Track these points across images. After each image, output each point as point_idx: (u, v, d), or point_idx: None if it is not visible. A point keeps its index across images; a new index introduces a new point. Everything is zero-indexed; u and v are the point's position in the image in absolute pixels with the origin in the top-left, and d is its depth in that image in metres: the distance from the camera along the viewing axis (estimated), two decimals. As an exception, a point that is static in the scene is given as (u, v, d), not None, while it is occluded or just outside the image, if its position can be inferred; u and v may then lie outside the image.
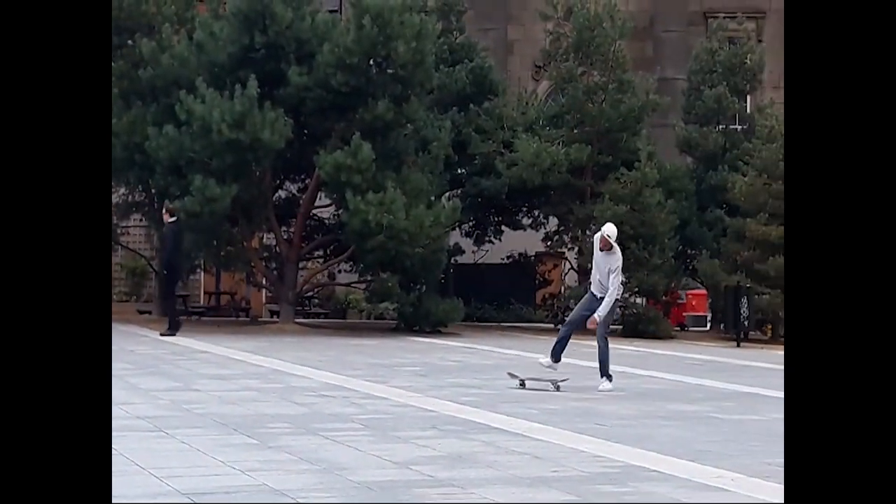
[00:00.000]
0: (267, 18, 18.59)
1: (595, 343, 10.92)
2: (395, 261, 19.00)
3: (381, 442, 6.74)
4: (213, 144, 17.92)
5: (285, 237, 20.55)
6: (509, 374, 11.02)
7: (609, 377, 10.77)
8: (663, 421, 8.42)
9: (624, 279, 11.18)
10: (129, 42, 20.11)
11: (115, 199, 21.49)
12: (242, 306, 24.18)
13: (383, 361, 13.35)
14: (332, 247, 21.75)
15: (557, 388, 10.39)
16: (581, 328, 11.13)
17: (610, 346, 10.99)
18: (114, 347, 13.95)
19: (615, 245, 10.81)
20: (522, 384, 10.59)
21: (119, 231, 21.63)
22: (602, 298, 10.70)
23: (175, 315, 17.04)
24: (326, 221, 21.72)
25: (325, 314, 24.56)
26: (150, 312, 22.12)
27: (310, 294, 23.82)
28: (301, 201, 20.86)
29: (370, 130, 18.72)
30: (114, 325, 18.88)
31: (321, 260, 22.46)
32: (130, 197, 21.57)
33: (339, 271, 23.13)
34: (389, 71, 18.86)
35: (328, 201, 20.63)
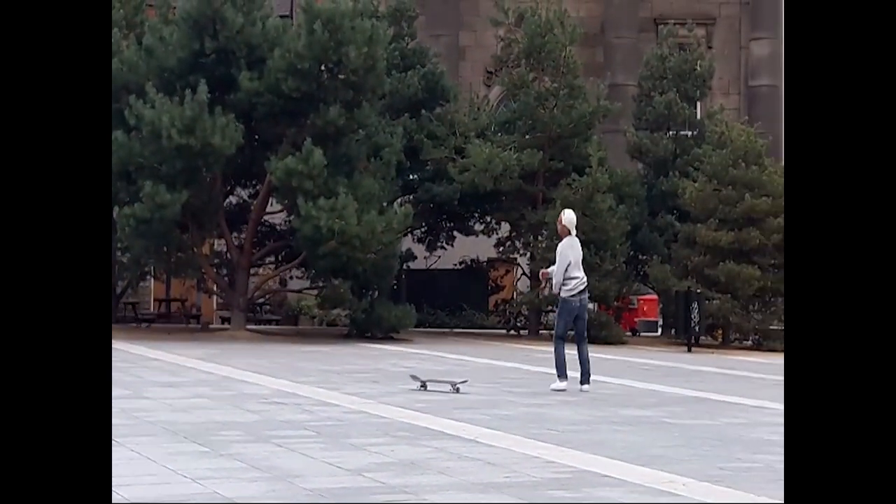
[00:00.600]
0: (217, 23, 18.47)
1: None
2: (346, 267, 18.94)
3: (333, 449, 6.71)
4: (163, 150, 17.76)
5: (236, 243, 20.41)
6: (411, 376, 11.10)
7: (561, 377, 10.99)
8: (615, 426, 8.48)
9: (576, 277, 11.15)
10: (77, 46, 19.89)
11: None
12: (193, 313, 23.98)
13: (335, 368, 13.30)
14: (283, 253, 21.64)
15: (457, 390, 10.44)
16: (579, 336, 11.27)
17: (564, 349, 11.10)
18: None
19: (570, 233, 11.00)
20: (424, 386, 10.68)
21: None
22: (561, 293, 10.95)
23: None
24: (278, 227, 21.61)
25: (276, 321, 24.43)
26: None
27: (261, 300, 23.67)
28: (252, 207, 20.73)
29: (322, 136, 18.66)
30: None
31: (273, 266, 22.34)
32: (78, 203, 21.31)
33: (291, 277, 23.02)
34: (341, 76, 18.82)
35: (279, 207, 20.52)
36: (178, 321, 23.24)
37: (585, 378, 11.07)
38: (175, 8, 19.81)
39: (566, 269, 10.86)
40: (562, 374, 11.02)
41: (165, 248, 19.51)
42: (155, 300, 25.51)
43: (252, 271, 21.08)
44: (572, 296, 10.96)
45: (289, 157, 18.28)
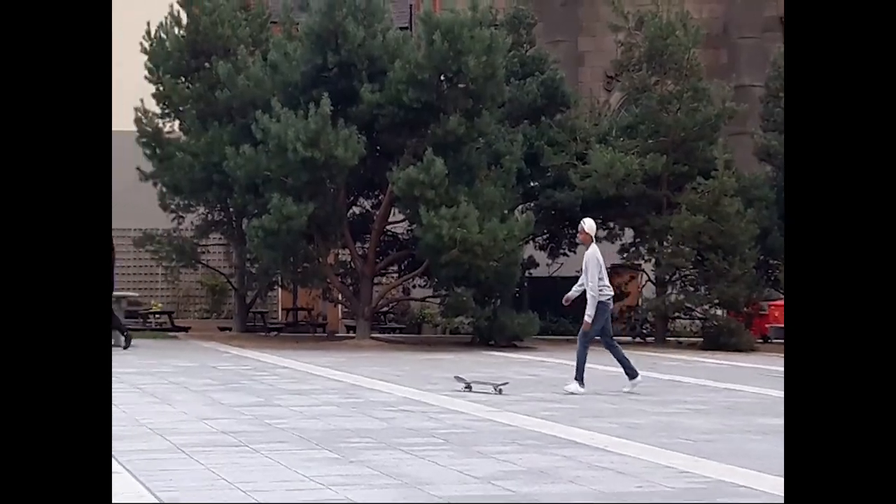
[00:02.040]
0: (339, 37, 18.76)
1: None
2: (469, 275, 18.97)
3: (461, 457, 6.71)
4: (288, 163, 18.12)
5: (360, 253, 20.67)
6: (456, 377, 11.47)
7: (580, 381, 11.14)
8: (751, 435, 8.25)
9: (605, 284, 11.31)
10: (206, 64, 20.49)
11: (194, 218, 21.86)
12: (319, 322, 24.36)
13: (460, 376, 13.31)
14: (406, 262, 21.81)
15: (499, 392, 10.70)
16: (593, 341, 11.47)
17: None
18: (196, 364, 14.19)
19: (592, 240, 11.34)
20: (469, 387, 11.01)
21: (199, 249, 21.97)
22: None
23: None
24: (400, 237, 21.80)
25: (400, 329, 24.62)
26: (230, 329, 22.43)
27: (385, 309, 23.90)
28: (375, 217, 20.98)
29: (442, 145, 18.76)
30: (195, 342, 19.22)
31: (396, 275, 22.55)
32: (209, 216, 21.90)
33: (414, 286, 23.18)
34: (460, 86, 18.88)
35: (402, 217, 20.71)
36: (305, 330, 23.65)
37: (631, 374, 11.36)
38: (298, 24, 20.22)
39: (600, 275, 11.10)
40: (631, 372, 11.27)
41: (292, 259, 19.87)
42: (282, 309, 26.02)
43: (376, 280, 21.31)
44: (608, 298, 11.18)
45: (410, 167, 18.43)
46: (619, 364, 11.41)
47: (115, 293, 20.06)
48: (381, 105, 18.73)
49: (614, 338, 11.62)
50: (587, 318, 11.07)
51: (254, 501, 5.20)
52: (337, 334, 23.06)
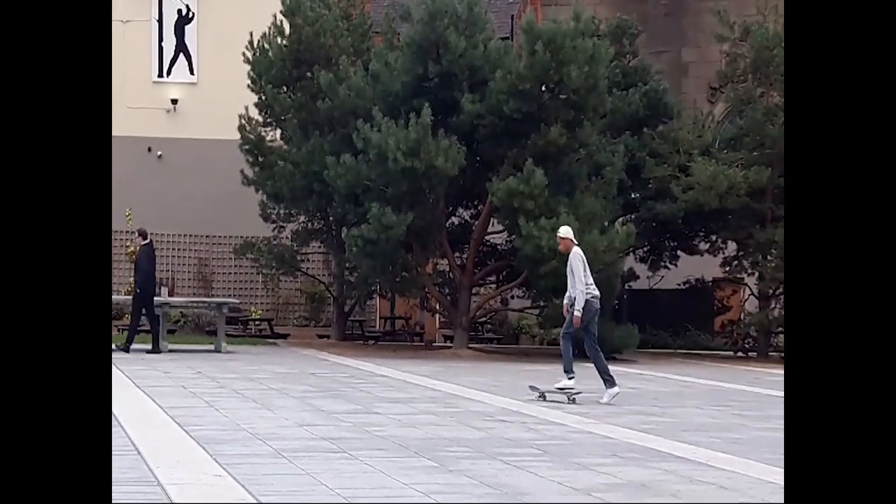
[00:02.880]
0: (440, 47, 18.85)
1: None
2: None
3: (560, 468, 6.66)
4: (388, 172, 18.26)
5: (458, 263, 20.70)
6: (530, 386, 11.64)
7: (570, 374, 11.13)
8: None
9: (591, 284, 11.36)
10: (308, 74, 20.79)
11: (294, 226, 22.18)
12: (417, 331, 24.47)
13: (534, 385, 13.20)
14: (504, 272, 21.76)
15: (573, 401, 10.82)
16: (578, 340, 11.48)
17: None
18: (295, 371, 14.38)
19: (572, 245, 11.42)
20: (542, 396, 11.16)
21: (299, 258, 22.28)
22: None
23: (133, 333, 17.27)
24: (499, 247, 21.77)
25: (497, 339, 24.58)
26: (328, 337, 22.70)
27: (483, 319, 23.89)
28: (474, 227, 20.99)
29: (543, 156, 18.68)
30: (294, 349, 19.50)
31: (494, 285, 22.52)
32: (310, 224, 22.19)
33: (512, 297, 23.12)
34: (562, 96, 18.79)
35: (501, 227, 20.68)
36: (403, 339, 23.79)
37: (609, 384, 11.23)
38: (400, 34, 20.37)
39: (584, 275, 11.19)
40: (610, 381, 11.19)
41: (391, 268, 19.98)
42: (380, 318, 26.21)
43: (474, 290, 21.31)
44: (593, 297, 11.22)
45: (510, 177, 18.40)
46: (598, 372, 11.28)
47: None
48: (482, 115, 18.75)
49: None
50: (577, 313, 11.03)
51: (353, 506, 5.22)
52: (434, 344, 23.12)
